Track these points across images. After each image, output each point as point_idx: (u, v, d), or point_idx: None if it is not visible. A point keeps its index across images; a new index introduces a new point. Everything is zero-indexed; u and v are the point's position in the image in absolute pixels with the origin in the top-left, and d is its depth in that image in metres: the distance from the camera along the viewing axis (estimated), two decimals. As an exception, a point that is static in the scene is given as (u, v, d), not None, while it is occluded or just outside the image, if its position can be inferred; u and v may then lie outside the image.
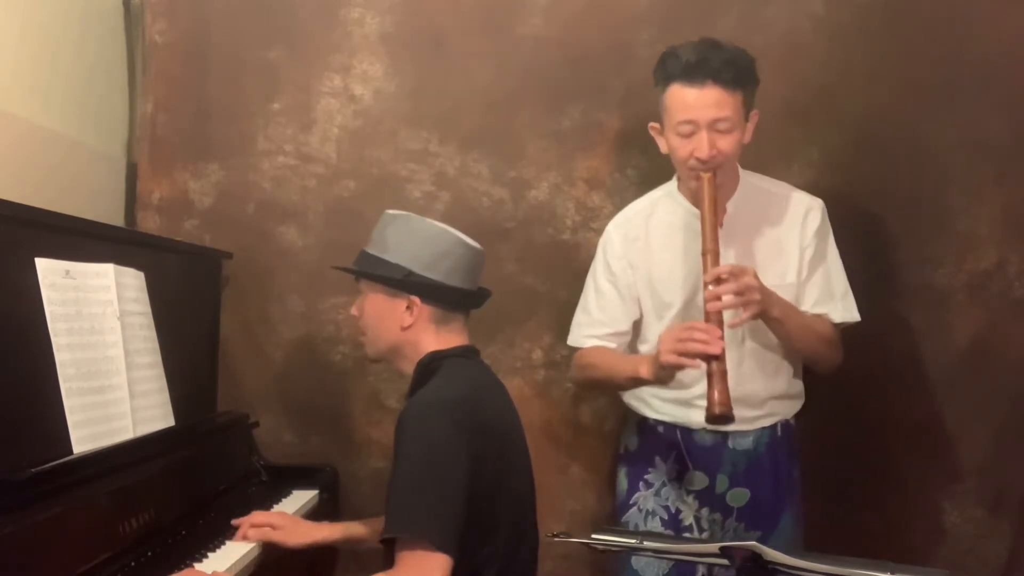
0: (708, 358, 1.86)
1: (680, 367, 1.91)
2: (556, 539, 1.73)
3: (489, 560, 1.72)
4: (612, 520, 2.34)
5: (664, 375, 1.96)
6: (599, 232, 2.58)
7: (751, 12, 2.53)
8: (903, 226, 2.50)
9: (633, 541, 1.77)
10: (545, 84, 2.60)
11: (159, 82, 2.64)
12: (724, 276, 1.92)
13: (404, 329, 1.82)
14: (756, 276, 1.95)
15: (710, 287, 1.92)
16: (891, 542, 2.47)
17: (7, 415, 1.58)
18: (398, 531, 1.63)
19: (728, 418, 1.87)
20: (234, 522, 1.99)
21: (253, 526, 1.97)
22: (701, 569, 2.14)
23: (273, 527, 1.98)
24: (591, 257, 2.57)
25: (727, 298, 1.91)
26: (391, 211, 1.91)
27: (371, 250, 1.87)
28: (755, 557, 1.56)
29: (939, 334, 2.51)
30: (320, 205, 2.65)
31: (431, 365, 1.81)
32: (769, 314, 1.99)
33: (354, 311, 1.93)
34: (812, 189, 2.44)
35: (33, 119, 2.21)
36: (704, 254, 1.95)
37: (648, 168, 2.57)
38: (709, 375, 1.87)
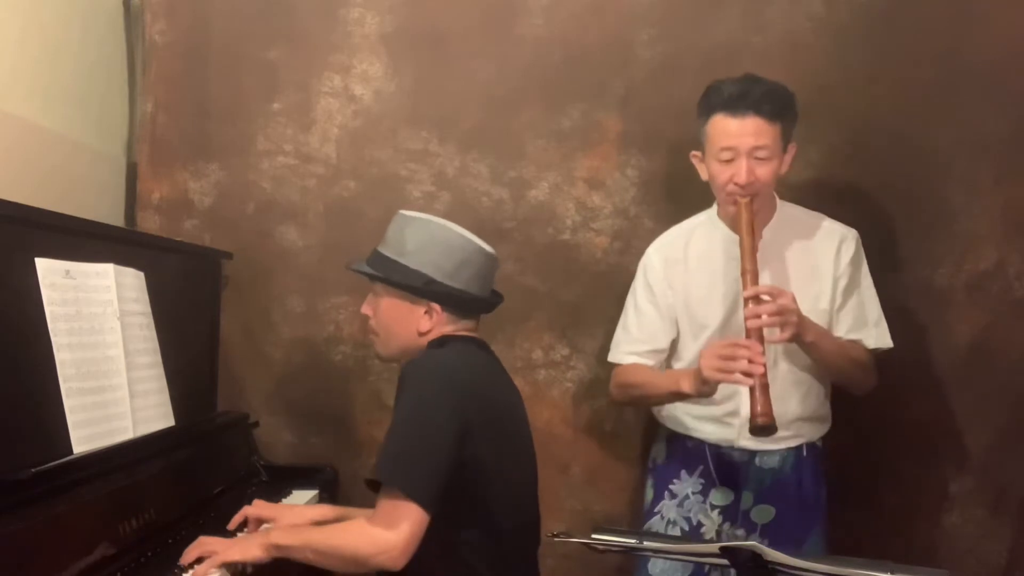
0: (750, 374, 1.90)
1: (723, 382, 1.96)
2: (556, 539, 1.73)
3: (482, 547, 1.74)
4: (633, 527, 2.36)
5: (706, 389, 2.01)
6: (599, 232, 2.60)
7: (751, 12, 2.53)
8: (903, 226, 2.50)
9: (633, 541, 1.78)
10: (545, 84, 2.60)
11: (159, 82, 2.64)
12: (764, 295, 1.97)
13: (421, 334, 1.84)
14: (794, 300, 1.99)
15: (750, 304, 1.97)
16: (891, 542, 2.47)
17: (7, 415, 1.58)
18: (378, 476, 1.67)
19: (771, 428, 1.91)
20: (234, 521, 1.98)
21: (251, 517, 1.97)
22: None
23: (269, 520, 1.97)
24: (591, 257, 2.60)
25: (767, 317, 1.96)
26: (406, 212, 1.90)
27: (388, 252, 1.85)
28: (755, 557, 1.56)
29: (939, 334, 2.51)
30: (320, 205, 2.65)
31: (440, 343, 1.83)
32: (804, 338, 2.03)
33: (366, 310, 1.92)
34: (812, 189, 2.44)
35: (33, 119, 2.21)
36: (743, 274, 2.00)
37: (648, 168, 2.58)
38: (752, 388, 1.92)
